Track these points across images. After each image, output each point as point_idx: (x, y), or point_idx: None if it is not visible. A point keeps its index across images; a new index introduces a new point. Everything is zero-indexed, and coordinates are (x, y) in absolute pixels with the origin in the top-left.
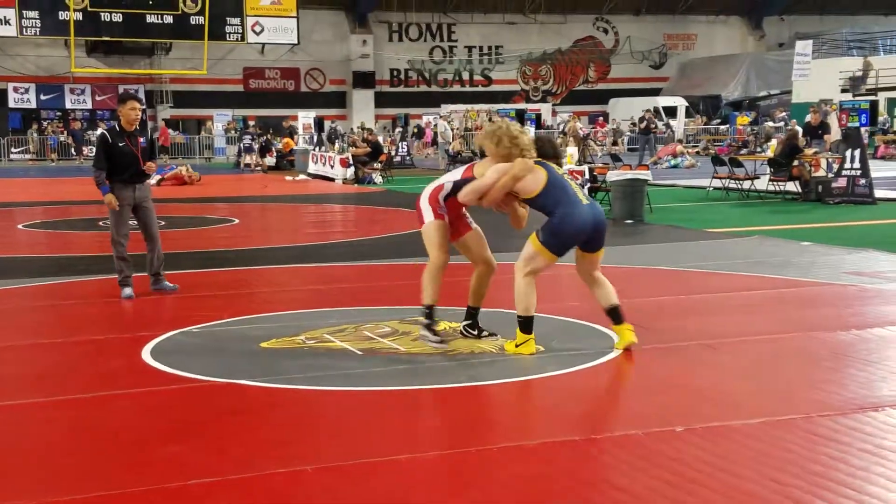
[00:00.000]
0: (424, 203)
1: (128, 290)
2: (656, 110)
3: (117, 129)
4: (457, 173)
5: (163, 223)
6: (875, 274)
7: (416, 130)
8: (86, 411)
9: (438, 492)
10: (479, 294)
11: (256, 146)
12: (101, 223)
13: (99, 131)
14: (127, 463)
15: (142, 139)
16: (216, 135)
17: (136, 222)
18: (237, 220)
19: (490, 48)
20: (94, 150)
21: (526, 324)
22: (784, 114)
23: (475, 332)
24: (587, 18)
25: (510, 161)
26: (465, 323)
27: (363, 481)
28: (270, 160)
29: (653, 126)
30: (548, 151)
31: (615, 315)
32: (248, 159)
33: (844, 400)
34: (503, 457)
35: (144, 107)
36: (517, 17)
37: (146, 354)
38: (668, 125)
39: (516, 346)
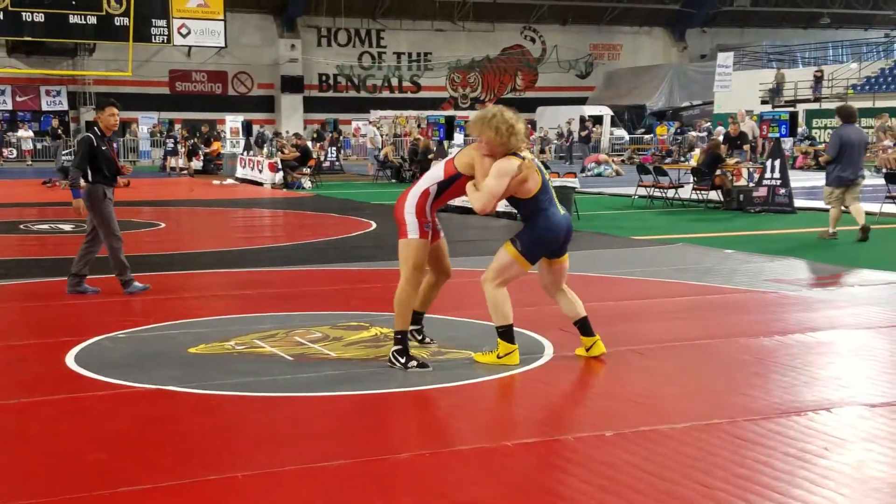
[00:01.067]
0: (410, 216)
1: (139, 284)
2: (582, 119)
3: (98, 132)
4: (437, 172)
5: (85, 227)
6: (795, 281)
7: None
8: (7, 419)
9: (368, 498)
10: (429, 300)
11: (182, 149)
12: (21, 226)
13: (84, 134)
14: (51, 472)
15: (115, 143)
16: (141, 137)
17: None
18: (163, 224)
19: (419, 55)
20: (77, 151)
21: (507, 333)
22: (707, 124)
23: (419, 338)
24: (515, 27)
25: (505, 151)
26: (412, 328)
27: (294, 487)
28: (197, 164)
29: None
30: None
31: (584, 327)
32: (173, 162)
33: (769, 404)
34: (434, 462)
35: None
36: (446, 24)
37: (70, 360)
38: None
39: (499, 356)
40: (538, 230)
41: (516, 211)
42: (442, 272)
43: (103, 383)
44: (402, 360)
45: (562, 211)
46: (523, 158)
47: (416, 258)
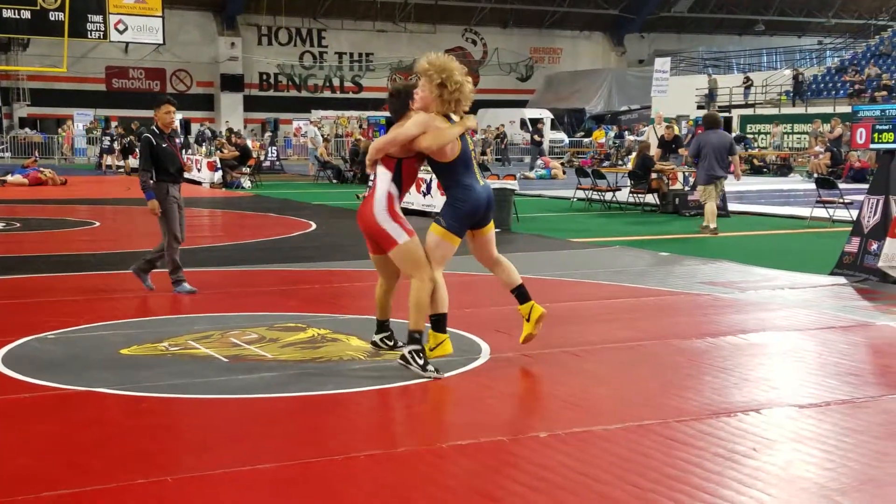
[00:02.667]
0: (388, 223)
1: (188, 286)
2: (522, 122)
3: (157, 131)
4: (383, 172)
5: (18, 225)
6: (728, 284)
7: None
8: None
9: (302, 501)
10: (388, 307)
11: (118, 147)
12: None
13: (143, 135)
14: None
15: (178, 140)
16: (76, 135)
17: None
18: (98, 223)
19: (360, 55)
20: (140, 153)
21: (439, 322)
22: (646, 128)
23: (390, 344)
24: (456, 29)
25: (440, 111)
26: (382, 335)
27: (226, 491)
28: (134, 162)
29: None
30: (408, 106)
31: (521, 294)
32: (109, 160)
33: (700, 406)
34: (369, 465)
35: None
36: (387, 24)
37: None
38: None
39: (430, 349)
40: (458, 203)
41: (437, 179)
42: (394, 276)
43: (31, 385)
44: (420, 362)
45: (482, 182)
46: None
47: (417, 257)
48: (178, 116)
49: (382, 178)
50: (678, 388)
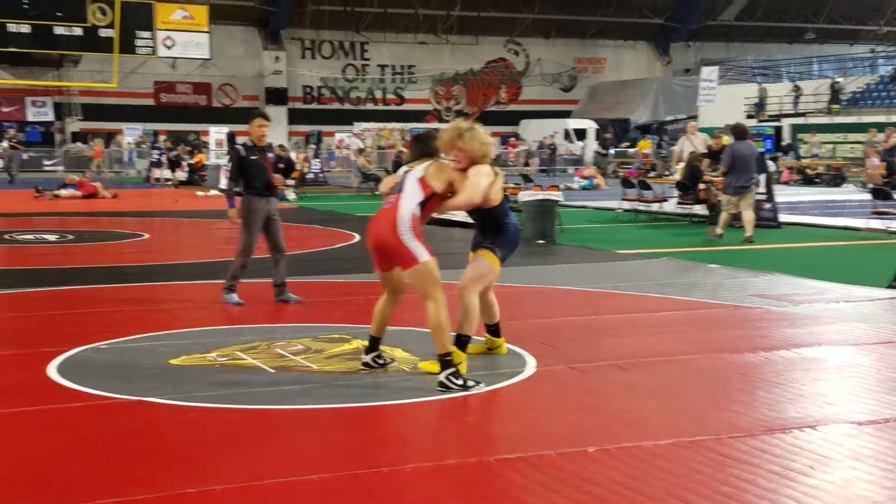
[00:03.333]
0: (413, 241)
1: (236, 297)
2: (566, 132)
3: (250, 143)
4: (414, 191)
5: (71, 237)
6: (780, 297)
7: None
8: None
9: None
10: (387, 323)
11: (166, 160)
12: (6, 236)
13: (235, 146)
14: (28, 482)
15: (270, 154)
16: (126, 149)
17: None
18: (147, 235)
19: (403, 67)
20: (230, 163)
21: (466, 343)
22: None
23: (380, 363)
24: (499, 40)
25: (476, 164)
26: (373, 354)
27: (273, 501)
28: (182, 175)
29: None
30: (431, 150)
31: (495, 330)
32: (157, 173)
33: (753, 421)
34: (414, 477)
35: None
36: (430, 37)
37: (52, 371)
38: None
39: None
40: (510, 235)
41: (477, 221)
42: (399, 292)
43: (84, 394)
44: (459, 383)
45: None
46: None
47: (436, 277)
48: (225, 130)
49: (410, 199)
50: (730, 403)
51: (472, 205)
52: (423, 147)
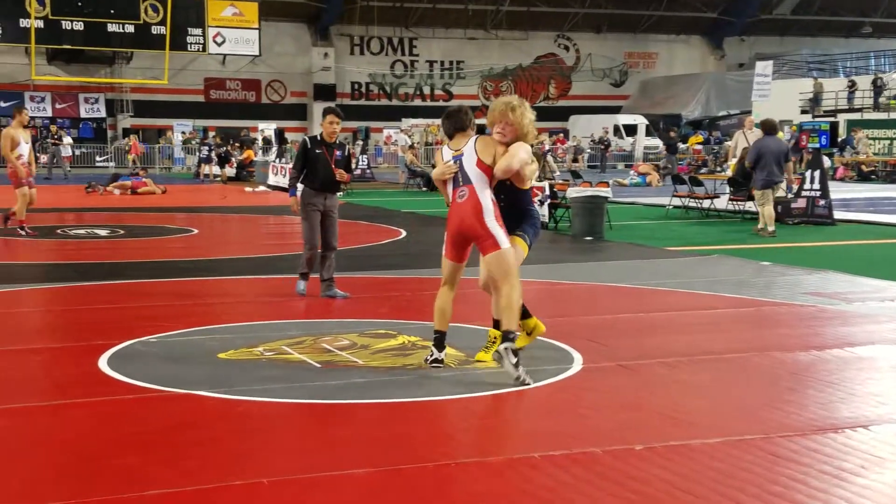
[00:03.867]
0: (497, 227)
1: (302, 285)
2: (616, 128)
3: (318, 138)
4: (484, 182)
5: (121, 232)
6: (834, 295)
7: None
8: (41, 420)
9: None
10: (450, 317)
11: (215, 156)
12: (58, 231)
13: (303, 138)
14: (81, 473)
15: (338, 151)
16: (176, 144)
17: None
18: (196, 231)
19: (451, 63)
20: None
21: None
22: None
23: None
24: (549, 35)
25: (521, 139)
26: (437, 355)
27: (319, 494)
28: (231, 171)
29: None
30: (464, 123)
31: (525, 312)
32: (206, 170)
33: (804, 420)
34: (460, 473)
35: (343, 119)
36: (479, 32)
37: (103, 363)
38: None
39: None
40: (537, 222)
41: (504, 204)
42: (456, 285)
43: (134, 386)
44: (514, 360)
45: None
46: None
47: (512, 262)
48: (273, 126)
49: (484, 188)
50: (780, 402)
51: (510, 171)
52: (457, 122)
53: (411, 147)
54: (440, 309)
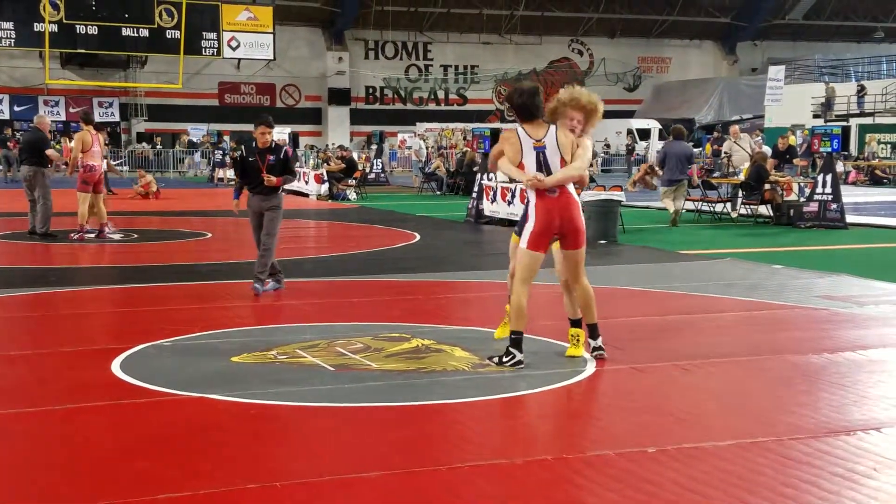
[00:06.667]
0: (583, 222)
1: (256, 286)
2: (629, 132)
3: (254, 146)
4: (570, 173)
5: (135, 235)
6: (846, 298)
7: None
8: (54, 424)
9: None
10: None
11: (230, 160)
12: (74, 234)
13: (241, 149)
14: (94, 477)
15: (271, 156)
16: (190, 148)
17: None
18: (210, 234)
19: (466, 67)
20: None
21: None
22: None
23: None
24: (563, 40)
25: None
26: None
27: (333, 498)
28: None
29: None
30: (539, 110)
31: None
32: (221, 174)
33: (816, 423)
34: (473, 475)
35: (273, 128)
36: (493, 37)
37: (116, 367)
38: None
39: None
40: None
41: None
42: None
43: (147, 391)
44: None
45: None
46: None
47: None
48: (288, 130)
49: (570, 185)
50: (793, 404)
51: (583, 178)
52: (532, 106)
53: (440, 154)
54: (520, 307)
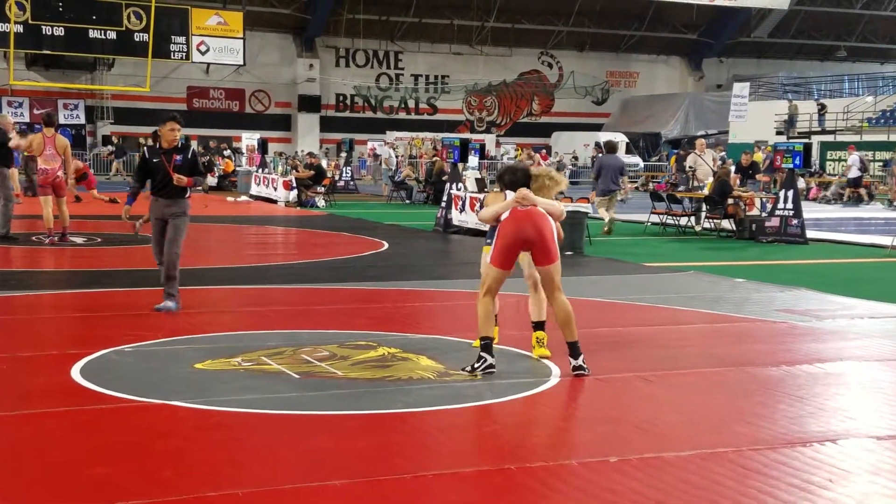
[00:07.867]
0: (555, 243)
1: (168, 304)
2: (597, 145)
3: (157, 147)
4: (552, 204)
5: (98, 240)
6: (805, 312)
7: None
8: (10, 430)
9: None
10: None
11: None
12: (33, 238)
13: (142, 149)
14: (52, 484)
15: (178, 156)
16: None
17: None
18: None
19: (436, 77)
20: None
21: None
22: (723, 153)
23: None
24: (532, 52)
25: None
26: (490, 360)
27: None
28: (212, 180)
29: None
30: (525, 181)
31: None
32: None
33: (774, 434)
34: (437, 484)
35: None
36: (464, 47)
37: (76, 373)
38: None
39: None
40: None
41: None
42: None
43: (108, 396)
44: (583, 364)
45: None
46: None
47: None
48: (256, 136)
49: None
50: (752, 416)
51: (561, 214)
52: (520, 179)
53: (410, 163)
54: (487, 314)
